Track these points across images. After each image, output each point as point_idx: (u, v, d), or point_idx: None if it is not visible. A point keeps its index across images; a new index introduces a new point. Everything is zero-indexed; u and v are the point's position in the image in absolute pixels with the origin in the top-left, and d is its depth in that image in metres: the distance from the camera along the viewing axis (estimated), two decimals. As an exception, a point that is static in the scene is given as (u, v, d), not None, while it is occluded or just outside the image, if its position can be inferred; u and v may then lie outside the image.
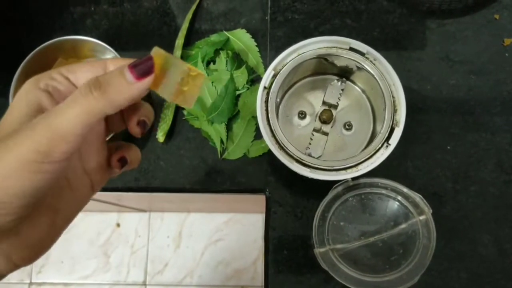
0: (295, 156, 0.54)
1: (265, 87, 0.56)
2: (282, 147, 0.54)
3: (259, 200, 1.18)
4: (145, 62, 0.28)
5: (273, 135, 0.54)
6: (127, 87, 0.28)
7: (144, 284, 1.48)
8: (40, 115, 0.28)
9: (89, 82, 0.28)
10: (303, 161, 0.54)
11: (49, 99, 0.30)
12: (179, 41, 0.67)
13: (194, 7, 0.69)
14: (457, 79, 0.65)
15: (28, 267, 1.49)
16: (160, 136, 0.64)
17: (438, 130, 0.63)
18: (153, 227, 1.53)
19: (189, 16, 0.68)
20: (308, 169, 0.53)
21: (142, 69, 0.28)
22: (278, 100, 0.58)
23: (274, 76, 0.56)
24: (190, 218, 1.52)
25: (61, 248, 1.52)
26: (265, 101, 0.55)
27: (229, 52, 0.66)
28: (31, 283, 1.49)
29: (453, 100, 0.64)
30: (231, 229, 1.51)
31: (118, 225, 1.53)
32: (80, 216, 1.37)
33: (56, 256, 1.51)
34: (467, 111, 0.64)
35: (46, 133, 0.26)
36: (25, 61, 0.63)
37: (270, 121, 0.54)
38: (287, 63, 0.56)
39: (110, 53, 0.65)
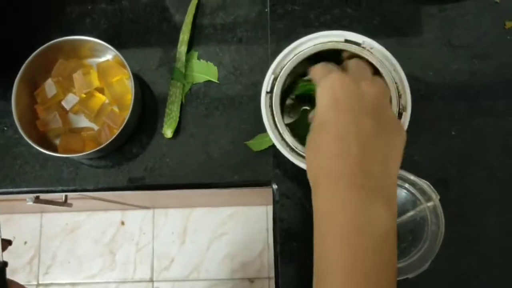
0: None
1: (267, 92, 0.55)
2: (293, 149, 0.54)
3: (263, 192, 1.18)
4: None
5: (282, 139, 0.54)
6: None
7: (151, 280, 1.49)
8: None
9: None
10: None
11: None
12: (184, 35, 0.66)
13: (195, 0, 0.69)
14: (459, 64, 0.65)
15: (35, 269, 1.50)
16: (169, 133, 0.64)
17: (442, 116, 0.63)
18: (158, 223, 1.53)
19: (191, 9, 0.68)
20: None
21: None
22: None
23: (275, 79, 0.56)
24: (194, 213, 1.53)
25: (67, 248, 1.52)
26: (270, 106, 0.55)
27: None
28: (38, 285, 1.50)
29: (457, 85, 0.64)
30: (236, 222, 1.51)
31: (122, 223, 1.53)
32: (85, 215, 1.37)
33: (62, 257, 1.51)
34: (471, 96, 0.64)
35: None
36: (25, 64, 0.62)
37: (278, 125, 0.54)
38: (285, 65, 0.56)
39: (110, 52, 0.65)
